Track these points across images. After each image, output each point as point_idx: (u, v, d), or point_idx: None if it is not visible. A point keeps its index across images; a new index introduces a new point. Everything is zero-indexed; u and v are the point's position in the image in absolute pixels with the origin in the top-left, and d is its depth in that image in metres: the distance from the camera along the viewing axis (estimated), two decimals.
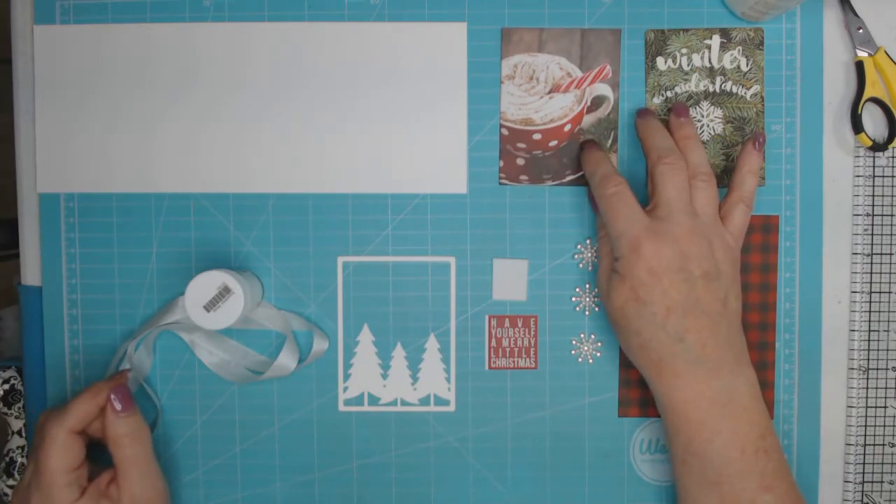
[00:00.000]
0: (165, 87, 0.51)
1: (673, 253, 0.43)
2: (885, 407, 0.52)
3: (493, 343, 0.52)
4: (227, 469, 0.52)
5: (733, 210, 0.46)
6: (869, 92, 0.50)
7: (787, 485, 0.45)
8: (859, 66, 0.50)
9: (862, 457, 0.52)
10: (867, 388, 0.52)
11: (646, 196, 0.49)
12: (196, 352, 0.51)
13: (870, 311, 0.51)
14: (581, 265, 0.51)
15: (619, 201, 0.45)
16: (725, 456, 0.43)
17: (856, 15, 0.50)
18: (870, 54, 0.50)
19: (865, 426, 0.52)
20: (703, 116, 0.51)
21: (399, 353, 0.52)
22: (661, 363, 0.44)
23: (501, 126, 0.51)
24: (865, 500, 0.52)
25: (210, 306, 0.45)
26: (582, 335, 0.51)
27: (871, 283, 0.51)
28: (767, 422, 0.45)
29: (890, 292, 0.51)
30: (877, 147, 0.50)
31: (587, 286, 0.51)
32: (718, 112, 0.51)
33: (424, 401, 0.52)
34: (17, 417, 0.55)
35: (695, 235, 0.44)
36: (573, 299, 0.51)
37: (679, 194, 0.45)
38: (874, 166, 0.51)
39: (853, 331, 0.52)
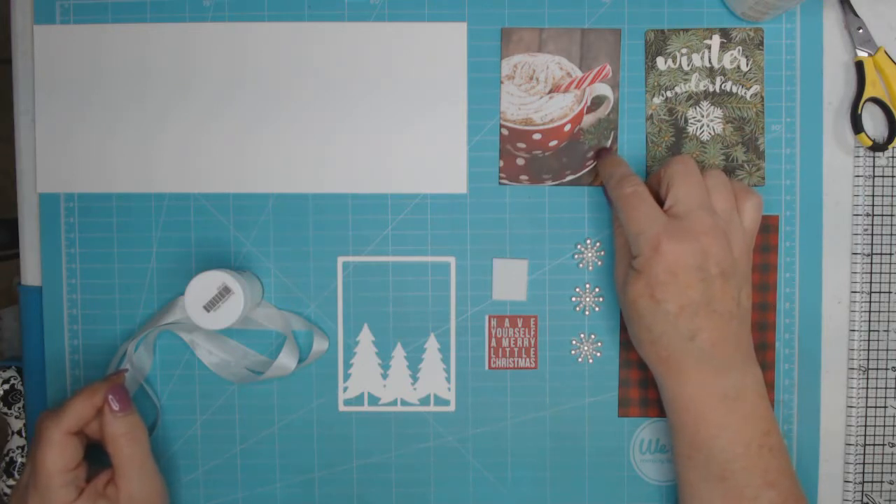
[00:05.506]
0: (165, 87, 0.51)
1: (693, 250, 0.43)
2: (885, 407, 0.52)
3: (493, 343, 0.51)
4: (227, 469, 0.52)
5: (746, 204, 0.46)
6: (869, 92, 0.50)
7: (791, 482, 0.45)
8: (859, 66, 0.50)
9: (862, 457, 0.52)
10: (867, 388, 0.52)
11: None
12: (196, 352, 0.51)
13: (870, 311, 0.51)
14: (581, 265, 0.51)
15: (637, 200, 0.44)
16: (730, 451, 0.44)
17: (856, 15, 0.50)
18: (870, 54, 0.50)
19: (865, 426, 0.52)
20: (703, 116, 0.51)
21: (399, 353, 0.52)
22: (669, 359, 0.44)
23: (501, 126, 0.51)
24: (865, 500, 0.52)
25: (210, 306, 0.45)
26: (582, 335, 0.51)
27: (871, 283, 0.51)
28: (772, 419, 0.45)
29: (890, 292, 0.51)
30: (877, 147, 0.50)
31: (587, 286, 0.51)
32: (718, 112, 0.51)
33: (424, 401, 0.52)
34: (17, 417, 0.55)
35: (715, 232, 0.43)
36: (573, 299, 0.51)
37: (697, 190, 0.44)
38: (874, 166, 0.51)
39: (853, 331, 0.51)
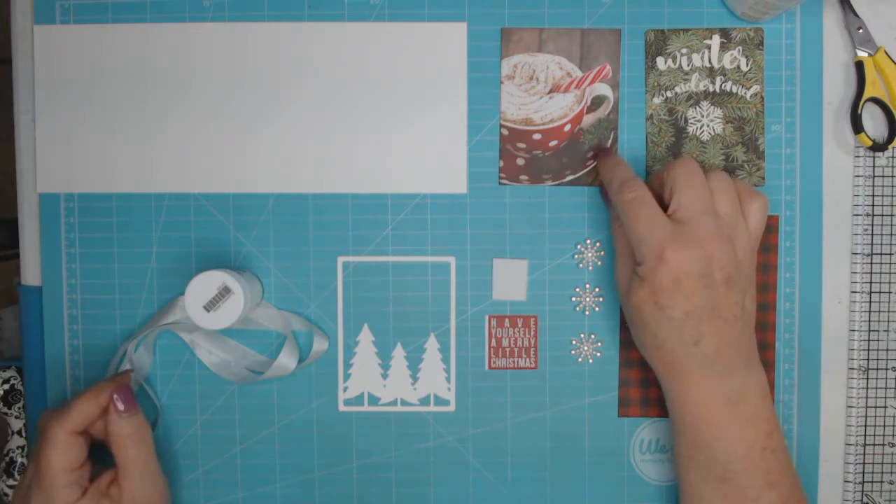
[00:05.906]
0: (165, 87, 0.51)
1: (697, 257, 0.42)
2: (885, 407, 0.52)
3: (493, 343, 0.51)
4: (227, 469, 0.52)
5: (751, 206, 0.45)
6: (869, 92, 0.50)
7: (792, 482, 0.45)
8: (859, 66, 0.50)
9: (862, 457, 0.52)
10: (867, 388, 0.52)
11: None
12: (196, 352, 0.51)
13: (870, 311, 0.51)
14: (581, 265, 0.51)
15: (639, 205, 0.44)
16: (732, 453, 0.44)
17: (856, 15, 0.50)
18: (870, 54, 0.50)
19: (865, 426, 0.52)
20: (703, 116, 0.51)
21: (399, 353, 0.52)
22: (674, 364, 0.44)
23: (501, 126, 0.51)
24: (865, 500, 0.52)
25: (210, 306, 0.45)
26: (582, 335, 0.51)
27: (871, 283, 0.51)
28: (775, 420, 0.45)
29: (890, 292, 0.51)
30: (877, 147, 0.50)
31: (587, 286, 0.51)
32: (718, 112, 0.51)
33: (424, 401, 0.52)
34: (17, 417, 0.55)
35: (719, 237, 0.43)
36: (573, 299, 0.51)
37: (700, 194, 0.44)
38: (874, 166, 0.51)
39: (853, 331, 0.52)
